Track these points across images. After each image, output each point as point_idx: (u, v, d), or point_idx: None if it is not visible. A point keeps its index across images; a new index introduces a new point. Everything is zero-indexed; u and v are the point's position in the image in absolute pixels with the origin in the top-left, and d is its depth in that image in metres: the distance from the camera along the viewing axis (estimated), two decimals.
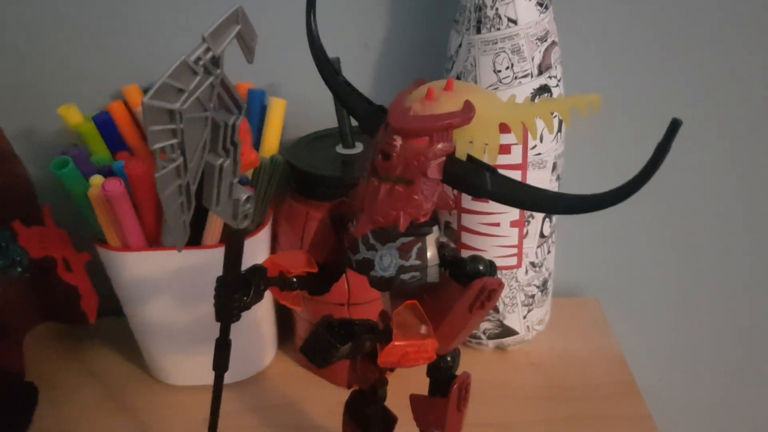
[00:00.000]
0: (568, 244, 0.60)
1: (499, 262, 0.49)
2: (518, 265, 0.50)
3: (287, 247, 0.50)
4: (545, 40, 0.44)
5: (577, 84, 0.49)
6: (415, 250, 0.30)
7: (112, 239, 0.46)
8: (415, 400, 0.35)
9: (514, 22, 0.43)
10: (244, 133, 0.46)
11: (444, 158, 0.28)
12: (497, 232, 0.48)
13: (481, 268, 0.29)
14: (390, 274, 0.30)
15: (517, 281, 0.51)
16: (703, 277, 0.64)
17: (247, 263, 0.34)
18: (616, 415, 0.49)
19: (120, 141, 0.49)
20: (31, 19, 0.51)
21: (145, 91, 0.50)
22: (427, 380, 0.35)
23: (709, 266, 0.64)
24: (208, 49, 0.24)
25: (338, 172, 0.47)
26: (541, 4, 0.43)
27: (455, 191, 0.47)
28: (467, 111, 0.28)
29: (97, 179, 0.44)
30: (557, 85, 0.45)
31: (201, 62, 0.24)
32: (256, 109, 0.50)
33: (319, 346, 0.30)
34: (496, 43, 0.43)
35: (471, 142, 0.28)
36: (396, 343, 0.30)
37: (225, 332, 0.36)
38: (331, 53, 0.34)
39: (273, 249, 0.51)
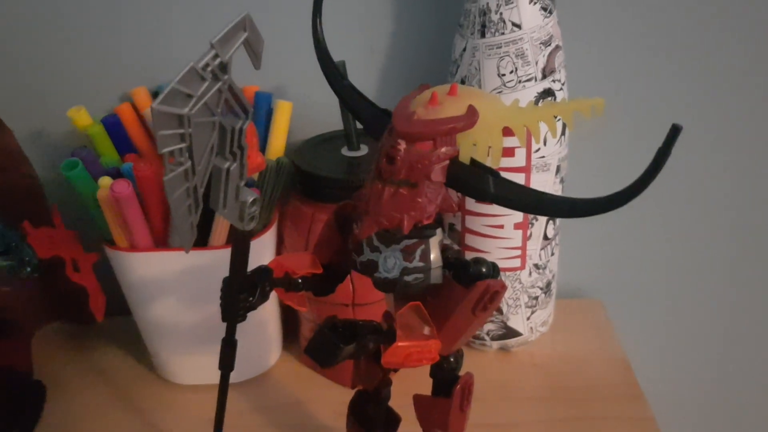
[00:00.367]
0: (572, 246, 0.60)
1: (502, 264, 0.50)
2: (522, 267, 0.50)
3: (293, 248, 0.50)
4: (549, 45, 0.44)
5: (581, 88, 0.50)
6: (418, 252, 0.30)
7: (120, 240, 0.47)
8: (418, 400, 0.35)
9: (519, 26, 0.43)
10: (250, 137, 0.47)
11: (447, 162, 0.29)
12: (501, 234, 0.49)
13: (484, 270, 0.30)
14: (394, 275, 0.31)
15: (520, 283, 0.51)
16: (708, 280, 0.64)
17: (252, 264, 0.34)
18: (619, 417, 0.49)
19: (128, 143, 0.50)
20: (41, 23, 0.52)
21: (153, 94, 0.51)
22: (430, 381, 0.35)
23: (714, 269, 0.64)
24: (216, 56, 0.24)
25: (343, 174, 0.47)
26: (545, 9, 0.43)
27: (459, 194, 0.48)
28: (471, 115, 0.28)
29: (105, 180, 0.45)
30: (561, 89, 0.46)
31: (209, 68, 0.24)
32: (262, 111, 0.51)
33: (323, 346, 0.30)
34: (501, 47, 0.43)
35: (474, 146, 0.29)
36: (399, 343, 0.30)
37: (231, 332, 0.37)
38: (336, 57, 0.35)
39: (278, 250, 0.51)
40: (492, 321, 0.53)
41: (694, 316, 0.66)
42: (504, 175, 0.28)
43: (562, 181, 0.49)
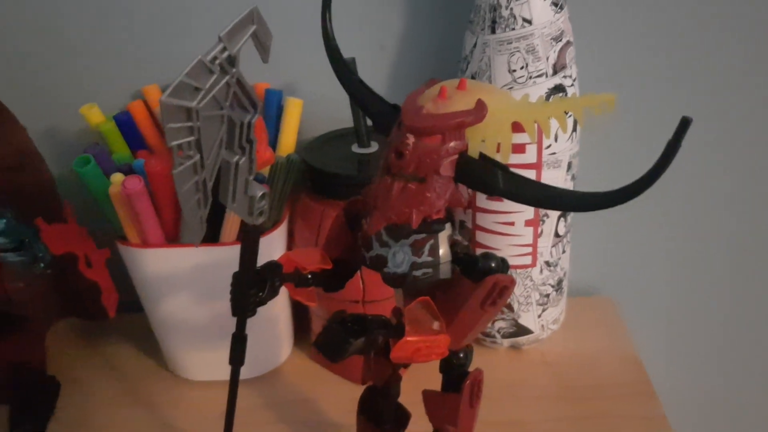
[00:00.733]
0: (584, 244, 0.60)
1: (513, 262, 0.49)
2: (533, 265, 0.50)
3: (303, 245, 0.50)
4: (560, 40, 0.44)
5: (592, 84, 0.49)
6: (427, 246, 0.30)
7: (132, 236, 0.47)
8: (428, 395, 0.35)
9: (529, 22, 0.43)
10: (259, 131, 0.47)
11: (456, 156, 0.29)
12: (512, 231, 0.49)
13: (493, 264, 0.30)
14: (403, 270, 0.31)
15: (531, 280, 0.51)
16: (720, 277, 0.64)
17: (263, 261, 0.34)
18: (631, 415, 0.49)
19: (140, 140, 0.50)
20: (53, 22, 0.52)
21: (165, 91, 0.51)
22: (440, 377, 0.35)
23: (726, 266, 0.63)
24: (224, 49, 0.24)
25: (353, 171, 0.47)
26: (555, 4, 0.43)
27: (470, 190, 0.48)
28: (480, 110, 0.28)
29: (117, 177, 0.45)
30: (572, 85, 0.45)
31: (217, 61, 0.24)
32: (273, 108, 0.51)
33: (332, 340, 0.31)
34: (511, 43, 0.43)
35: (483, 141, 0.28)
36: (408, 338, 0.30)
37: (241, 327, 0.37)
38: (346, 54, 0.35)
39: (289, 247, 0.51)
40: (503, 319, 0.53)
41: (707, 314, 0.66)
42: (513, 170, 0.28)
43: (573, 177, 0.49)
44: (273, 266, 0.34)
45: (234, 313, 0.36)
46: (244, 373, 0.39)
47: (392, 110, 0.33)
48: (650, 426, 0.48)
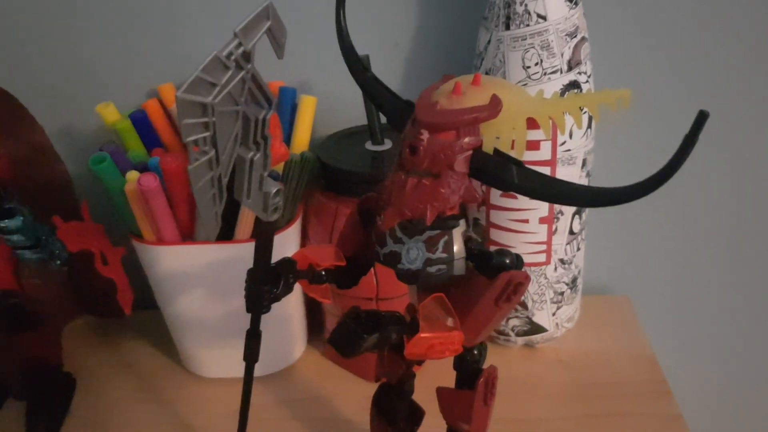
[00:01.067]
0: (599, 241, 0.59)
1: (527, 259, 0.49)
2: (547, 262, 0.50)
3: (317, 242, 0.51)
4: (575, 36, 0.44)
5: (607, 80, 0.49)
6: (441, 243, 0.30)
7: (147, 233, 0.47)
8: (441, 392, 0.35)
9: (544, 18, 0.43)
10: (274, 127, 0.47)
11: (470, 152, 0.29)
12: (526, 229, 0.48)
13: (507, 261, 0.30)
14: (417, 266, 0.31)
15: (546, 278, 0.51)
16: (737, 276, 0.63)
17: (277, 258, 0.34)
18: (646, 414, 0.49)
19: (155, 138, 0.50)
20: (70, 21, 0.52)
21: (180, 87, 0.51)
22: (454, 375, 0.35)
23: (743, 264, 0.63)
24: (239, 45, 0.24)
25: (367, 168, 0.47)
26: (570, 0, 0.43)
27: (484, 187, 0.47)
28: (494, 105, 0.28)
29: (132, 175, 0.45)
30: (587, 81, 0.45)
31: (232, 57, 0.24)
32: (287, 106, 0.51)
33: (346, 336, 0.30)
34: (525, 39, 0.43)
35: (498, 138, 0.28)
36: (422, 334, 0.30)
37: (255, 323, 0.37)
38: (360, 51, 0.35)
39: (303, 244, 0.52)
40: (517, 317, 0.53)
41: (722, 311, 0.65)
42: (529, 167, 0.28)
43: (588, 174, 0.49)
44: (287, 263, 0.34)
45: (248, 310, 0.36)
46: (259, 370, 0.39)
47: (406, 107, 0.33)
48: (666, 424, 0.48)
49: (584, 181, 0.48)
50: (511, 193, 0.32)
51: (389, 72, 0.54)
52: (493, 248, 0.31)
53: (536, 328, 0.53)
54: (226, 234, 0.47)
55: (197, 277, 0.48)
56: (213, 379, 0.54)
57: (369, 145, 0.50)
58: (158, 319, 0.53)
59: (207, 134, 0.25)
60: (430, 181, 0.29)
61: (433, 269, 0.30)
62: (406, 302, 0.35)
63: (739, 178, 0.58)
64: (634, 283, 0.63)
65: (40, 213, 0.45)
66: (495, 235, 0.50)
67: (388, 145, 0.50)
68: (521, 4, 0.43)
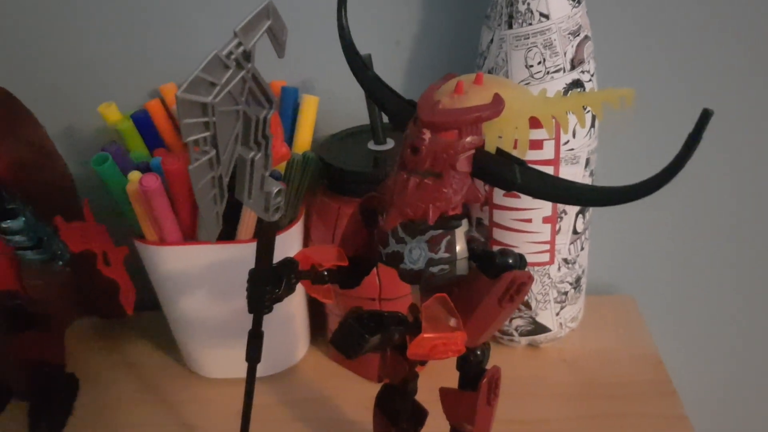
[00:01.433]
0: (602, 241, 0.59)
1: (531, 259, 0.49)
2: (551, 262, 0.50)
3: (319, 242, 0.50)
4: (578, 35, 0.43)
5: (611, 79, 0.49)
6: (444, 243, 0.30)
7: (149, 234, 0.47)
8: (444, 393, 0.35)
9: (546, 16, 0.42)
10: (275, 126, 0.47)
11: (473, 151, 0.28)
12: (529, 228, 0.48)
13: (510, 261, 0.29)
14: (419, 266, 0.30)
15: (549, 278, 0.50)
16: (742, 275, 0.63)
17: (279, 258, 0.34)
18: (651, 414, 0.48)
19: (157, 138, 0.50)
20: (73, 21, 0.52)
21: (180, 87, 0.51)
22: (457, 375, 0.35)
23: (748, 264, 0.62)
24: (239, 44, 0.24)
25: (370, 168, 0.47)
26: None
27: (487, 187, 0.47)
28: (496, 104, 0.28)
29: (134, 175, 0.45)
30: (590, 80, 0.45)
31: (233, 56, 0.24)
32: (289, 106, 0.51)
33: (348, 337, 0.30)
34: (528, 38, 0.43)
35: (500, 137, 0.28)
36: (425, 335, 0.30)
37: (257, 324, 0.37)
38: (362, 50, 0.35)
39: (305, 244, 0.51)
40: (521, 317, 0.52)
41: (727, 311, 0.65)
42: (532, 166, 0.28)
43: (591, 174, 0.48)
44: (289, 263, 0.34)
45: (250, 310, 0.36)
46: (261, 370, 0.39)
47: (408, 106, 0.33)
48: (670, 424, 0.48)
49: (588, 181, 0.48)
50: (514, 192, 0.32)
51: (391, 71, 0.54)
52: (496, 248, 0.30)
53: (540, 328, 0.53)
54: (228, 234, 0.47)
55: (199, 278, 0.48)
56: (215, 380, 0.54)
57: (371, 145, 0.50)
58: (160, 320, 0.53)
59: (207, 134, 0.25)
60: (433, 181, 0.29)
61: (435, 269, 0.30)
62: (409, 302, 0.35)
63: (743, 178, 0.58)
64: (638, 282, 0.63)
65: (42, 213, 0.45)
66: (498, 234, 0.49)
67: (390, 144, 0.50)
68: (524, 2, 0.42)
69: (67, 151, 0.51)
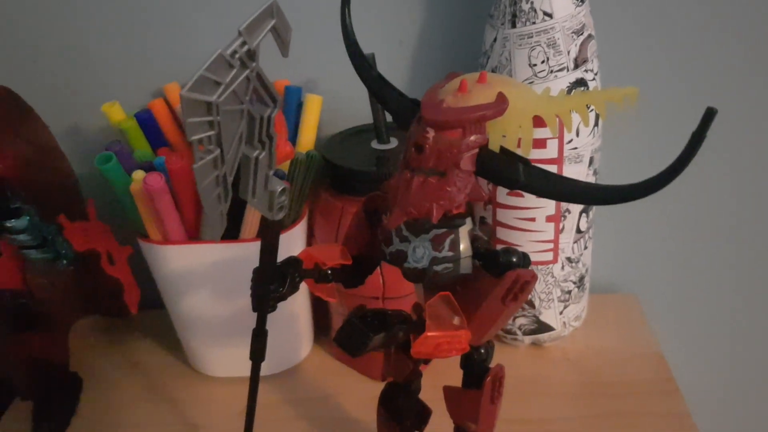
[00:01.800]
0: (606, 240, 0.59)
1: (534, 258, 0.49)
2: (554, 261, 0.50)
3: (323, 241, 0.50)
4: (581, 34, 0.43)
5: (614, 77, 0.49)
6: (448, 241, 0.30)
7: (153, 233, 0.47)
8: (448, 391, 0.35)
9: (550, 15, 0.42)
10: (279, 125, 0.47)
11: (476, 150, 0.28)
12: (533, 227, 0.48)
13: (514, 259, 0.29)
14: (423, 265, 0.30)
15: (553, 277, 0.50)
16: (745, 274, 0.63)
17: (283, 257, 0.34)
18: (654, 412, 0.48)
19: (161, 137, 0.50)
20: (75, 20, 0.52)
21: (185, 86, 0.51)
22: (461, 374, 0.35)
23: (751, 262, 0.62)
24: (243, 43, 0.24)
25: (373, 167, 0.47)
26: None
27: (491, 185, 0.47)
28: (500, 103, 0.28)
29: (138, 174, 0.45)
30: (594, 79, 0.45)
31: (237, 55, 0.24)
32: (292, 105, 0.51)
33: (352, 335, 0.30)
34: (532, 36, 0.43)
35: (504, 136, 0.28)
36: (429, 333, 0.30)
37: (261, 322, 0.37)
38: (365, 50, 0.35)
39: (309, 243, 0.52)
40: (524, 315, 0.52)
41: (730, 310, 0.65)
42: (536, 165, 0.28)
43: (595, 173, 0.48)
44: (293, 262, 0.34)
45: (254, 309, 0.36)
46: (265, 369, 0.39)
47: (412, 105, 0.33)
48: (673, 423, 0.47)
49: (591, 179, 0.48)
50: (518, 191, 0.32)
51: (394, 70, 0.54)
52: (499, 247, 0.30)
53: (543, 327, 0.53)
54: (231, 233, 0.47)
55: (203, 277, 0.48)
56: (219, 379, 0.54)
57: (375, 144, 0.50)
58: (164, 319, 0.53)
59: (212, 133, 0.25)
60: (436, 180, 0.29)
61: (439, 268, 0.30)
62: (413, 301, 0.35)
63: (745, 177, 0.58)
64: (641, 281, 0.63)
65: (46, 213, 0.45)
66: (502, 233, 0.49)
67: (393, 143, 0.50)
68: (527, 1, 0.42)
69: (71, 151, 0.51)
